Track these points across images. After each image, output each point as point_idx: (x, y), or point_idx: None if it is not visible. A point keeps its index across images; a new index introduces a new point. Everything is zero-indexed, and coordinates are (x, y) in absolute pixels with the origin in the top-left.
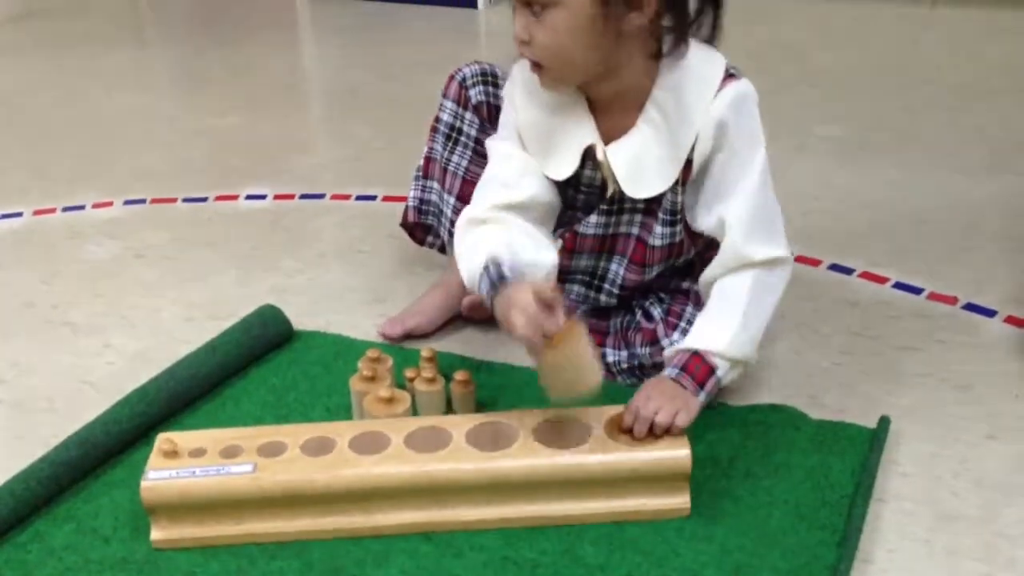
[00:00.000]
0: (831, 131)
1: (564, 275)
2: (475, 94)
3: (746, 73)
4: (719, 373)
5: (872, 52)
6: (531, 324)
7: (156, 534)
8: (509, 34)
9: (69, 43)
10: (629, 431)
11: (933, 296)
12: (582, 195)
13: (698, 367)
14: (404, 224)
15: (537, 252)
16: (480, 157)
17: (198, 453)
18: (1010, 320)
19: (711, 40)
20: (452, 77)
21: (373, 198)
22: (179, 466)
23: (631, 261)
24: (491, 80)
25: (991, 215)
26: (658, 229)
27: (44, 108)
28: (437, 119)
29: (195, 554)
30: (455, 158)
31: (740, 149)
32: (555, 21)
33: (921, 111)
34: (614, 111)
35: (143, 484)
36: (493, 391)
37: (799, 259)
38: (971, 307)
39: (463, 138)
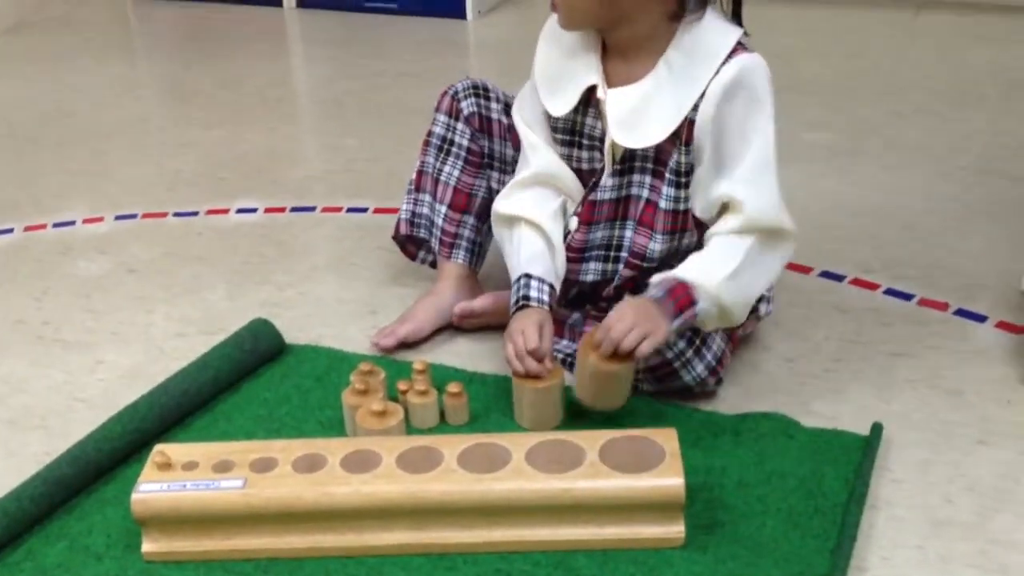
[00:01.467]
0: (820, 138)
1: (581, 252)
2: (467, 106)
3: None
4: (698, 307)
5: (859, 59)
6: (515, 359)
7: (147, 547)
8: (498, 45)
9: (58, 57)
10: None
11: (924, 302)
12: (585, 151)
13: (680, 296)
14: (396, 237)
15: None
16: (471, 167)
17: (191, 466)
18: (1001, 325)
19: (735, 18)
20: (445, 92)
21: (364, 210)
22: (170, 479)
23: (640, 223)
24: (482, 93)
25: (981, 220)
26: (665, 190)
27: (33, 122)
28: (429, 133)
29: (187, 570)
30: (447, 168)
31: (744, 117)
32: None
33: (909, 116)
34: (627, 62)
35: (134, 497)
36: (486, 402)
37: (789, 266)
38: (962, 313)
39: (455, 148)
